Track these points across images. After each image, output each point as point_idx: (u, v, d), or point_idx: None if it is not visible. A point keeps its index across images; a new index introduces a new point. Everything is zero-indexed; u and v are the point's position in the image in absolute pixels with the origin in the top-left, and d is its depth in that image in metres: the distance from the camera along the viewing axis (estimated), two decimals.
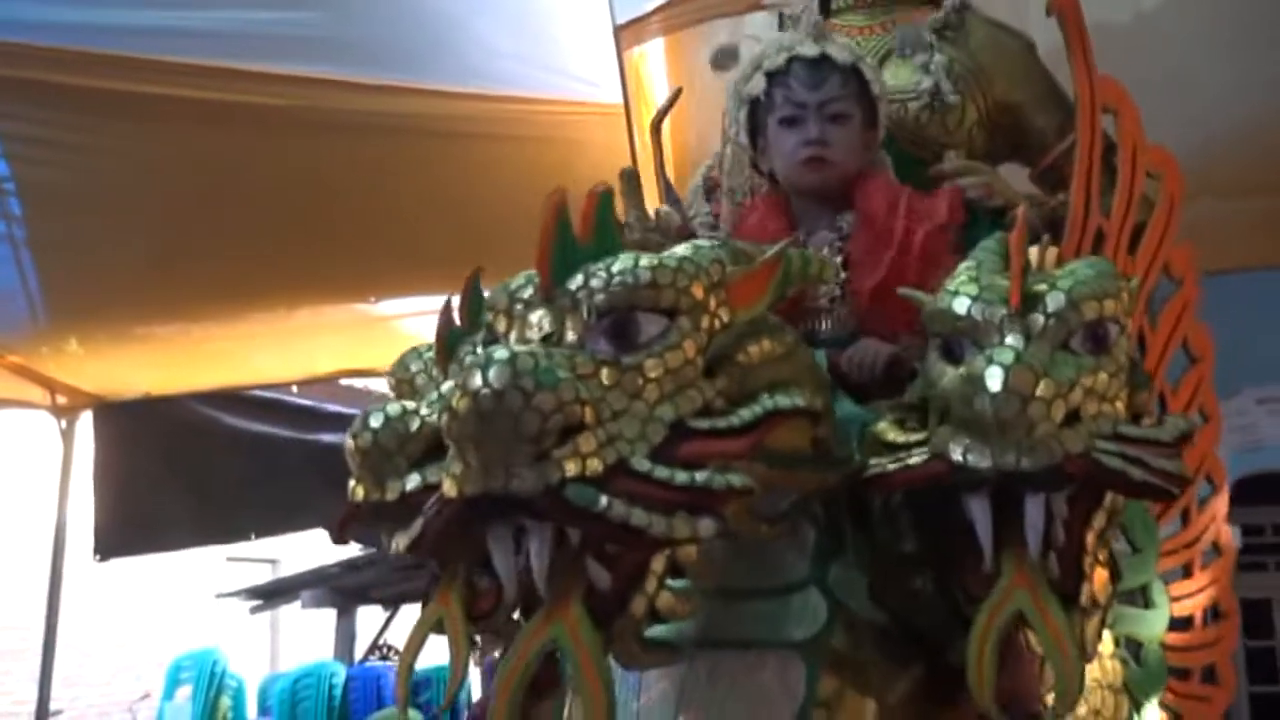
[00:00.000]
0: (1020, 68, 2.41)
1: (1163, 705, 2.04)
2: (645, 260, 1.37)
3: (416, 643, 1.44)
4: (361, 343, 5.37)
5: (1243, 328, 5.41)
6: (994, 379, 1.38)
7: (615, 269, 1.36)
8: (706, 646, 1.58)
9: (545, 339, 1.35)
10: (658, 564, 1.35)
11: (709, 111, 2.51)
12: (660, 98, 4.01)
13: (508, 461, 1.23)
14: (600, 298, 1.34)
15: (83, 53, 3.81)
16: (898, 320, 1.81)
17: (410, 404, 1.41)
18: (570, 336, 1.34)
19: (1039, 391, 1.38)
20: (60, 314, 5.12)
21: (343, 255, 4.47)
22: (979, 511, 1.44)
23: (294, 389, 6.15)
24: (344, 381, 6.16)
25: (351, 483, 1.43)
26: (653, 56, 3.99)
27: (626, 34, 3.78)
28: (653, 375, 1.33)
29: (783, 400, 1.42)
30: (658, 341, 1.35)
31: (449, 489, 1.27)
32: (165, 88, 3.88)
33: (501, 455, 1.23)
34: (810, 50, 2.05)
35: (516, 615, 1.39)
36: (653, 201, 2.34)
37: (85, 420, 5.99)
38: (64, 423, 5.91)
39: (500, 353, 1.24)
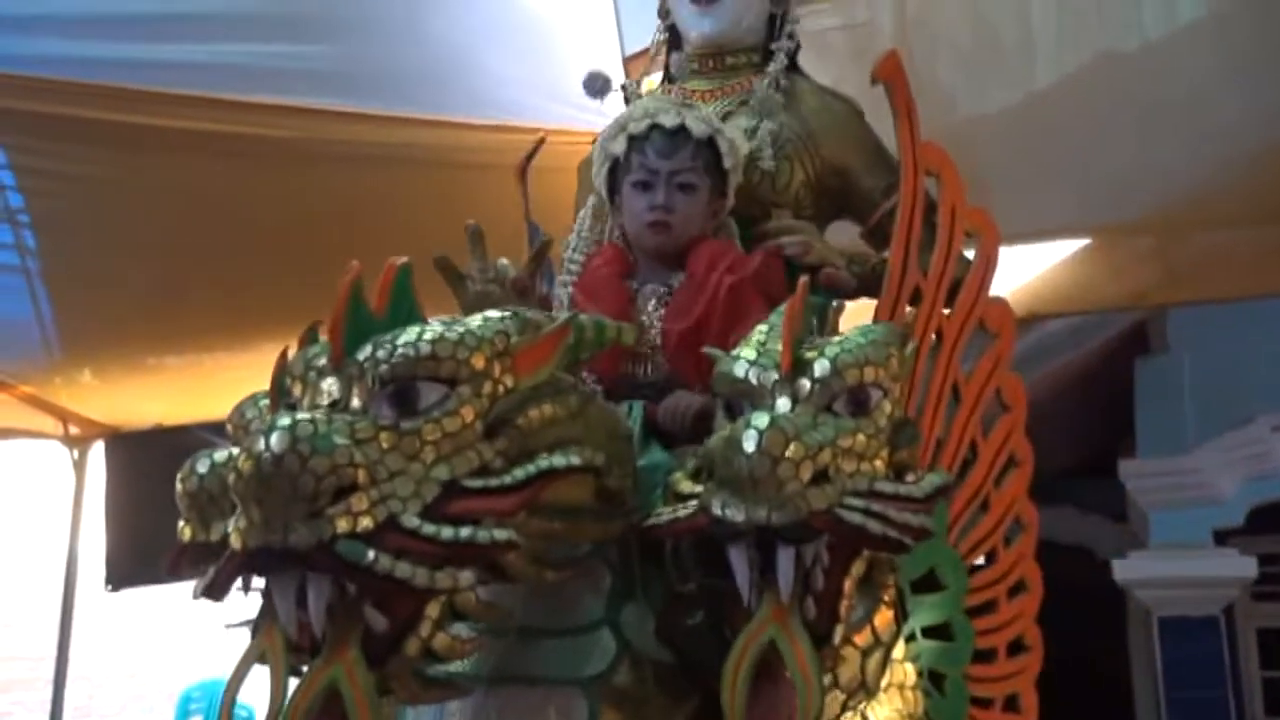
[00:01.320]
0: (848, 131, 2.51)
1: None
2: (429, 333, 1.47)
3: (241, 673, 1.51)
4: None
5: (1256, 354, 5.41)
6: (749, 440, 1.50)
7: (400, 341, 1.46)
8: (500, 682, 1.67)
9: (333, 405, 1.45)
10: (433, 609, 1.44)
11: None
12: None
13: (286, 518, 1.33)
14: (384, 368, 1.44)
15: (93, 85, 3.84)
16: (700, 366, 1.91)
17: (235, 450, 1.45)
18: (355, 403, 1.45)
19: (789, 453, 1.49)
20: (73, 345, 5.16)
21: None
22: (737, 559, 1.56)
23: None
24: None
25: (180, 524, 1.52)
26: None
27: (635, 64, 3.79)
28: (430, 439, 1.44)
29: (558, 460, 1.52)
30: (437, 408, 1.45)
31: (235, 542, 1.37)
32: (179, 121, 3.91)
33: (280, 512, 1.33)
34: (670, 120, 2.18)
35: None
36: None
37: (97, 451, 6.02)
38: (76, 453, 5.96)
39: (283, 420, 1.35)
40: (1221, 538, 5.58)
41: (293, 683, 1.44)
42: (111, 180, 4.17)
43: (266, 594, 1.43)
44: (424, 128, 3.84)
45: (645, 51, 3.82)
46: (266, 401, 1.58)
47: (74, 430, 5.90)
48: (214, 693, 7.48)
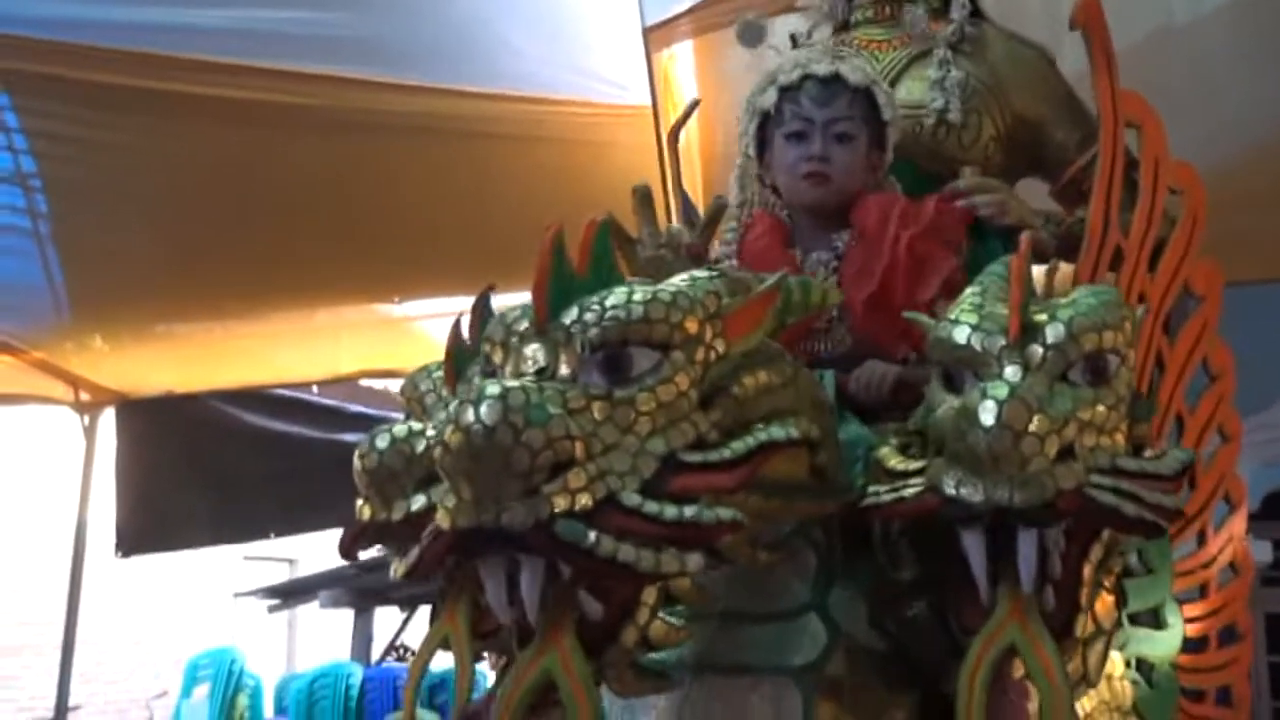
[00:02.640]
0: (1039, 81, 2.39)
1: None
2: (639, 294, 1.38)
3: (424, 658, 1.48)
4: (384, 343, 5.40)
5: (1274, 339, 5.39)
6: (988, 413, 1.39)
7: (609, 303, 1.37)
8: (705, 671, 1.61)
9: (539, 372, 1.36)
10: (649, 595, 1.37)
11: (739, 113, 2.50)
12: (689, 96, 4.02)
13: (499, 496, 1.25)
14: (594, 332, 1.35)
15: (109, 50, 3.83)
16: (892, 331, 1.84)
17: (416, 425, 1.43)
18: (564, 370, 1.36)
19: (1032, 426, 1.39)
20: (84, 310, 5.14)
21: (366, 255, 4.47)
22: (973, 545, 1.46)
23: (315, 389, 6.17)
24: (364, 382, 6.18)
25: (359, 502, 1.46)
26: (682, 58, 3.97)
27: (655, 36, 3.78)
28: (644, 409, 1.34)
29: (777, 432, 1.44)
30: (650, 375, 1.36)
31: (443, 520, 1.28)
32: (192, 86, 3.91)
33: (493, 490, 1.25)
34: (824, 68, 2.08)
35: None
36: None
37: (108, 417, 6.02)
38: (86, 419, 5.95)
39: (492, 388, 1.26)
40: None
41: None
42: (124, 145, 4.16)
43: (449, 576, 1.39)
44: (442, 97, 3.82)
45: (667, 22, 3.83)
46: (441, 373, 1.53)
47: (85, 396, 5.89)
48: (221, 661, 7.54)
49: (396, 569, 1.41)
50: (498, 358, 1.43)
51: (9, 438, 9.37)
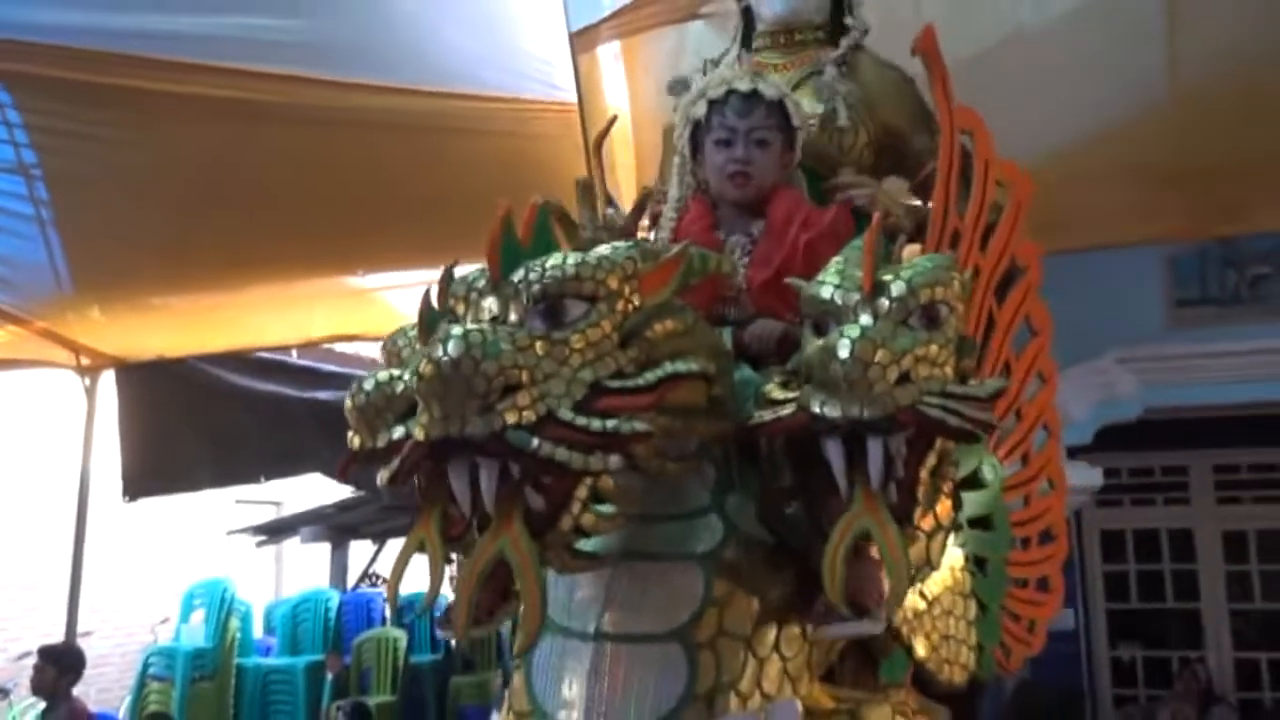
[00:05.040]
0: (902, 98, 2.48)
1: (1002, 607, 2.16)
2: (572, 258, 1.51)
3: (403, 561, 1.56)
4: (351, 311, 5.39)
5: (1109, 298, 5.52)
6: (844, 349, 1.53)
7: (548, 265, 1.50)
8: (629, 558, 1.70)
9: (494, 320, 1.49)
10: (581, 491, 1.46)
11: (665, 109, 2.56)
12: (613, 96, 4.01)
13: (462, 412, 1.36)
14: (536, 287, 1.48)
15: (101, 53, 3.79)
16: (783, 305, 1.94)
17: (396, 371, 1.49)
18: (513, 317, 1.48)
19: (877, 358, 1.52)
20: (83, 285, 5.09)
21: (332, 233, 4.46)
22: (833, 451, 1.57)
23: (294, 352, 6.12)
24: (337, 346, 6.15)
25: (350, 434, 1.52)
26: (605, 60, 3.96)
27: (580, 40, 3.77)
28: (576, 347, 1.47)
29: (680, 366, 1.55)
30: (581, 321, 1.48)
31: (418, 434, 1.39)
32: (175, 85, 3.87)
33: (457, 408, 1.36)
34: (744, 85, 2.16)
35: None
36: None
37: (106, 379, 5.95)
38: (88, 381, 5.91)
39: (457, 330, 1.39)
40: (1073, 453, 5.74)
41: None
42: (116, 139, 4.13)
43: (424, 490, 1.47)
44: (393, 94, 3.80)
45: (589, 28, 3.81)
46: (415, 332, 1.59)
47: (85, 361, 5.84)
48: (215, 590, 7.46)
49: (382, 477, 1.48)
50: (460, 309, 1.54)
51: (18, 399, 9.21)
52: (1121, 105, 3.69)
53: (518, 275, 1.49)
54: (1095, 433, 5.68)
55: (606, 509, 1.49)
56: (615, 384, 1.48)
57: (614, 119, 2.74)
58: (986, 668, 2.12)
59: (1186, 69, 3.60)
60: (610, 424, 1.43)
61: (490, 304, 1.51)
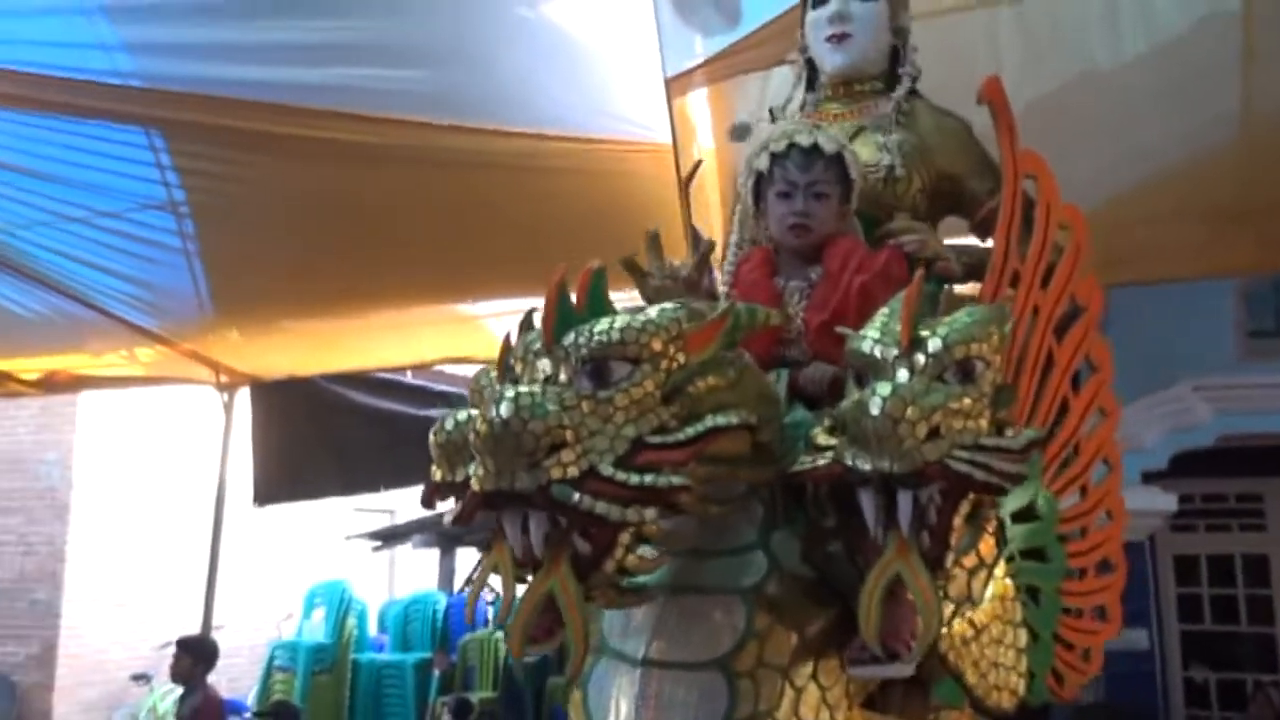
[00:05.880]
0: (959, 145, 2.43)
1: (1055, 635, 2.10)
2: (619, 322, 1.52)
3: (482, 579, 1.60)
4: (459, 335, 5.45)
5: (1184, 329, 5.36)
6: (875, 406, 1.51)
7: (596, 329, 1.51)
8: (678, 591, 1.71)
9: (546, 380, 1.50)
10: (624, 537, 1.48)
11: (741, 153, 2.54)
12: (703, 136, 4.01)
13: (512, 468, 1.39)
14: (584, 350, 1.49)
15: (242, 101, 3.87)
16: (838, 347, 1.89)
17: (475, 412, 1.51)
18: (563, 377, 1.49)
19: (907, 415, 1.49)
20: (223, 310, 5.24)
21: (443, 265, 4.52)
22: (866, 501, 1.56)
23: (408, 373, 6.23)
24: (447, 368, 6.24)
25: (433, 467, 1.56)
26: (696, 104, 3.97)
27: (675, 85, 3.77)
28: (620, 405, 1.48)
29: (720, 420, 1.55)
30: (625, 380, 1.49)
31: (474, 485, 1.43)
32: (309, 130, 3.93)
33: (508, 464, 1.39)
34: (805, 139, 2.13)
35: None
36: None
37: (242, 395, 6.12)
38: (226, 397, 6.08)
39: (509, 392, 1.42)
40: (1148, 478, 5.55)
41: (518, 589, 1.52)
42: (255, 179, 4.21)
43: (497, 523, 1.50)
44: (500, 138, 3.82)
45: (684, 74, 3.83)
46: (495, 374, 1.62)
47: (224, 379, 6.01)
48: (334, 591, 7.60)
49: (446, 518, 1.53)
50: (519, 368, 1.56)
51: (164, 413, 9.54)
52: (1194, 143, 3.58)
53: (568, 339, 1.51)
54: (1170, 459, 5.50)
55: (650, 550, 1.50)
56: (656, 439, 1.48)
57: (699, 163, 2.74)
58: (1038, 694, 2.07)
59: (1259, 107, 3.48)
60: (649, 479, 1.45)
61: (544, 365, 1.52)
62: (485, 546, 1.53)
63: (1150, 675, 6.44)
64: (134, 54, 3.84)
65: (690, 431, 1.51)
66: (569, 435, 1.41)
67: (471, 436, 1.40)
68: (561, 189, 3.83)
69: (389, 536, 9.60)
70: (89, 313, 5.21)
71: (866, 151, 2.32)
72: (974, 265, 2.27)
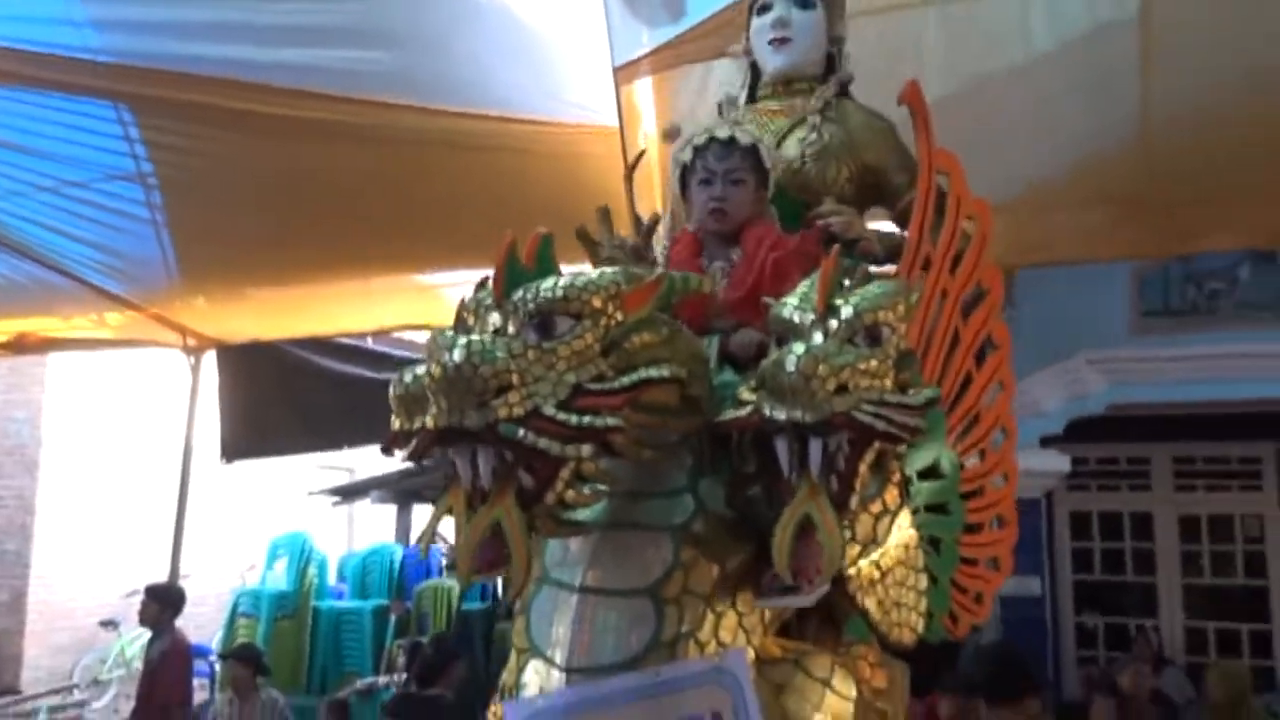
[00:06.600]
0: (884, 142, 2.52)
1: (953, 581, 2.18)
2: (563, 281, 1.56)
3: (435, 521, 1.60)
4: (418, 304, 5.42)
5: (1082, 307, 5.51)
6: (791, 363, 1.57)
7: (543, 287, 1.55)
8: (614, 526, 1.76)
9: (496, 331, 1.54)
10: (565, 473, 1.52)
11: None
12: (648, 122, 4.02)
13: (463, 407, 1.43)
14: (531, 305, 1.53)
15: (209, 78, 3.81)
16: (756, 317, 1.96)
17: (419, 369, 1.52)
18: (511, 330, 1.53)
19: (819, 372, 1.56)
20: (190, 277, 5.17)
21: (402, 238, 4.50)
22: (781, 448, 1.62)
23: (369, 339, 6.19)
24: (406, 334, 6.21)
25: (393, 417, 1.58)
26: (641, 90, 3.97)
27: (622, 74, 3.78)
28: (563, 355, 1.52)
29: (654, 371, 1.60)
30: (568, 333, 1.53)
31: (428, 423, 1.46)
32: (274, 107, 3.89)
33: (458, 403, 1.42)
34: (723, 133, 2.21)
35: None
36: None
37: (209, 358, 6.05)
38: (192, 359, 6.01)
39: (462, 339, 1.46)
40: (1045, 442, 5.72)
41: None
42: (221, 153, 4.16)
43: (451, 467, 1.53)
44: (455, 118, 3.80)
45: (631, 63, 3.83)
46: (451, 333, 1.63)
47: (191, 342, 5.94)
48: (296, 543, 7.53)
49: (403, 455, 1.54)
50: (471, 321, 1.60)
51: (132, 375, 9.37)
52: (1101, 139, 3.66)
53: (517, 295, 1.54)
54: (1066, 424, 5.66)
55: (587, 487, 1.54)
56: (595, 386, 1.53)
57: (643, 153, 2.78)
58: (935, 632, 2.14)
59: (1157, 109, 3.57)
60: (586, 419, 1.49)
61: (495, 318, 1.56)
62: (439, 495, 1.54)
63: (1041, 620, 6.68)
64: (102, 30, 3.76)
65: (625, 381, 1.55)
66: (515, 379, 1.45)
67: (426, 380, 1.43)
68: (514, 168, 3.82)
69: (348, 492, 9.55)
70: (59, 278, 5.11)
71: (794, 146, 2.39)
72: (893, 249, 2.35)
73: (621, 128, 3.82)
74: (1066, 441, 5.64)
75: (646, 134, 3.94)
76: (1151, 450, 7.13)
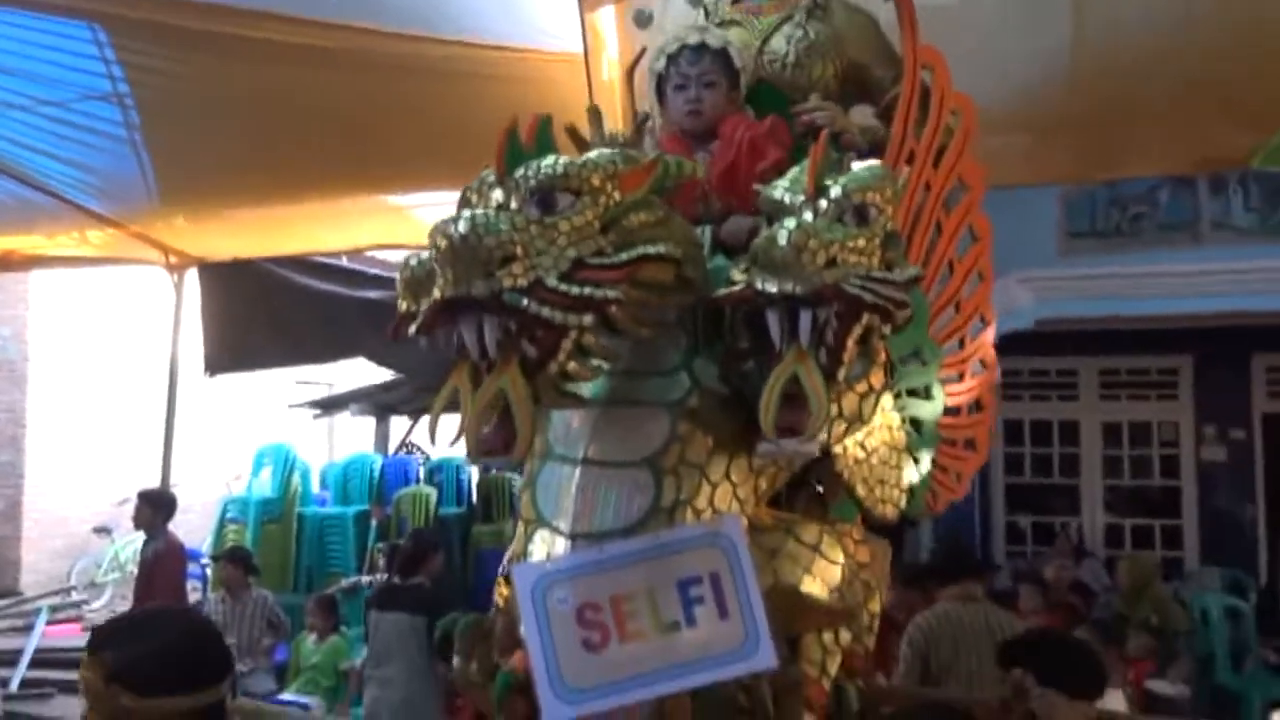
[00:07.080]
0: (868, 37, 2.49)
1: (933, 460, 2.23)
2: (563, 159, 1.58)
3: (443, 399, 1.60)
4: (390, 224, 5.40)
5: (1012, 228, 5.58)
6: (782, 237, 1.60)
7: (544, 164, 1.57)
8: (614, 404, 1.80)
9: (499, 207, 1.55)
10: (566, 344, 1.54)
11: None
12: (611, 49, 3.99)
13: (469, 276, 1.45)
14: (532, 181, 1.55)
15: (181, 1, 3.73)
16: (740, 200, 1.99)
17: (424, 254, 1.54)
18: (514, 205, 1.55)
19: (809, 245, 1.59)
20: (170, 197, 5.10)
21: (376, 159, 4.47)
22: (772, 319, 1.65)
23: (344, 258, 6.18)
24: (379, 253, 6.20)
25: (399, 301, 1.59)
26: (605, 18, 3.93)
27: (587, 1, 3.74)
28: (564, 230, 1.54)
29: (651, 249, 1.62)
30: (568, 209, 1.56)
31: (436, 294, 1.48)
32: (247, 30, 3.78)
33: (464, 273, 1.45)
34: (694, 39, 2.23)
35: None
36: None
37: (191, 275, 6.01)
38: (175, 277, 5.97)
39: (467, 213, 1.48)
40: None
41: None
42: (198, 74, 4.07)
43: (459, 344, 1.52)
44: (422, 43, 3.74)
45: None
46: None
47: (173, 260, 5.89)
48: (280, 453, 7.59)
49: (413, 326, 1.55)
50: (474, 199, 1.61)
51: (115, 290, 9.28)
52: (1032, 68, 3.67)
53: (518, 172, 1.56)
54: (1035, 321, 5.80)
55: (588, 361, 1.56)
56: (595, 260, 1.55)
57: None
58: (916, 508, 2.20)
59: (1087, 37, 3.58)
60: (587, 290, 1.51)
61: (497, 195, 1.57)
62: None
63: (970, 516, 6.95)
64: None
65: (624, 256, 1.58)
66: (519, 250, 1.47)
67: (433, 252, 1.45)
68: (482, 93, 3.80)
69: (328, 404, 9.59)
70: (42, 196, 5.03)
71: (780, 43, 2.38)
72: (876, 143, 2.33)
73: (586, 54, 3.79)
74: (999, 354, 5.79)
75: (610, 59, 3.93)
76: (1079, 363, 7.35)
